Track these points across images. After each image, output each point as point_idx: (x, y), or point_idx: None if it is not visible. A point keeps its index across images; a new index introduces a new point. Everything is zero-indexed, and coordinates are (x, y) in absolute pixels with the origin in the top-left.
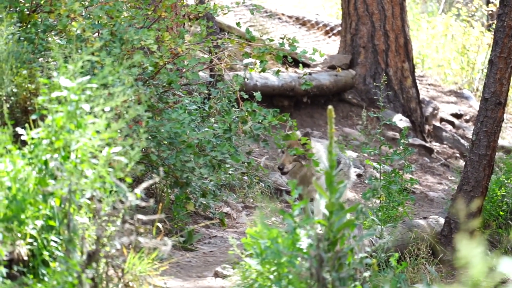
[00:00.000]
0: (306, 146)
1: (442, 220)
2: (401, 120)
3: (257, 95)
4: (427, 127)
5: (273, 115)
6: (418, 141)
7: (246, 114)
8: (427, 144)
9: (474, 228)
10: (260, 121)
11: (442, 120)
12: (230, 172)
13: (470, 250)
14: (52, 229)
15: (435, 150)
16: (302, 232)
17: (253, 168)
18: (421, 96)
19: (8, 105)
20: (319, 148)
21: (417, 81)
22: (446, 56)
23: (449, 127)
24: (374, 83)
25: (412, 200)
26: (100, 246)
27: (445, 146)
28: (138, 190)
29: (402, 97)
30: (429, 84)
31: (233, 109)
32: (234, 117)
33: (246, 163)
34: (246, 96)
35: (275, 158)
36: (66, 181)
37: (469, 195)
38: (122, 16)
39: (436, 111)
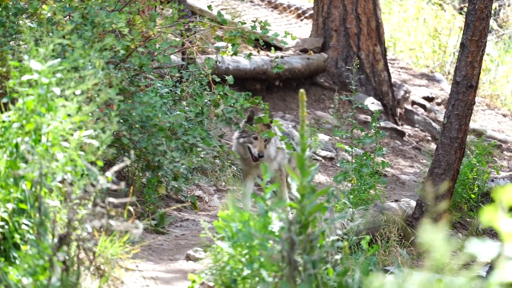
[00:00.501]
0: (269, 129)
1: (413, 203)
2: (372, 103)
3: (229, 78)
4: (398, 110)
5: (245, 98)
6: (390, 124)
7: (218, 97)
8: (399, 127)
9: (443, 210)
10: (232, 104)
11: (413, 103)
12: (202, 156)
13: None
14: (23, 212)
15: (406, 133)
16: (273, 215)
17: (225, 152)
18: (392, 80)
19: None
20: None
21: (389, 65)
22: (418, 39)
23: (420, 110)
24: (346, 67)
25: (384, 183)
26: (72, 229)
27: (416, 129)
28: (109, 173)
29: (374, 80)
30: (400, 68)
31: (205, 92)
32: (206, 100)
33: (218, 147)
34: (218, 80)
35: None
36: (37, 165)
37: (441, 178)
38: None
39: (407, 94)
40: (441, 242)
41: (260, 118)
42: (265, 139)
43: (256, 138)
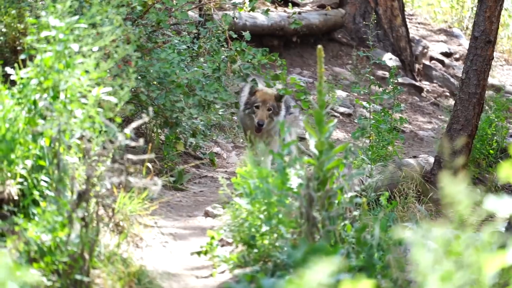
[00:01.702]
0: (281, 102)
1: (431, 159)
2: (390, 59)
3: (246, 34)
4: (416, 66)
5: (262, 54)
6: (408, 80)
7: (235, 53)
8: (417, 83)
9: (461, 166)
10: (249, 60)
11: (432, 59)
12: (220, 113)
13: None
14: (42, 169)
15: (425, 89)
16: (292, 172)
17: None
18: (410, 35)
19: None
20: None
21: (407, 20)
22: None
23: (439, 65)
24: (364, 22)
25: (402, 139)
26: (90, 185)
27: (435, 85)
28: (128, 130)
29: (392, 36)
30: (418, 23)
31: (222, 48)
32: (223, 56)
33: (235, 103)
34: (235, 36)
35: None
36: (56, 121)
37: (459, 134)
38: None
39: (425, 50)
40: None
41: (277, 75)
42: (269, 108)
43: (258, 107)
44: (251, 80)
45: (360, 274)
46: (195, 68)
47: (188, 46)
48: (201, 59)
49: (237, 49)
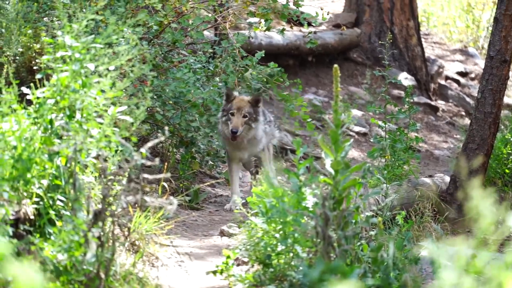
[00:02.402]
0: (258, 108)
1: (447, 178)
2: (406, 78)
3: (258, 53)
4: (432, 85)
5: (270, 75)
6: (424, 100)
7: (245, 66)
8: (433, 103)
9: (477, 185)
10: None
11: (447, 78)
12: None
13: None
14: (58, 188)
15: (440, 109)
16: (307, 191)
17: None
18: (426, 55)
19: (15, 65)
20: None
21: (422, 40)
22: (451, 14)
23: (454, 85)
24: (379, 42)
25: (418, 158)
26: (106, 205)
27: (450, 104)
28: (144, 149)
29: (408, 55)
30: (434, 43)
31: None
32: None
33: None
34: (245, 54)
35: (280, 118)
36: (72, 140)
37: (475, 153)
38: None
39: (441, 69)
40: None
41: (288, 96)
42: (244, 115)
43: (233, 114)
44: (227, 87)
45: None
46: (211, 88)
47: (203, 66)
48: (217, 79)
49: (248, 64)
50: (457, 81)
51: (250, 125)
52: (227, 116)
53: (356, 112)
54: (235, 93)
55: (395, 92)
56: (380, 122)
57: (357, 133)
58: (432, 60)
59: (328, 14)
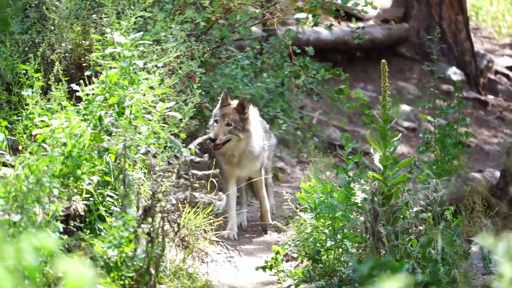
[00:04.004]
0: (245, 115)
1: (497, 173)
2: (455, 73)
3: (310, 49)
4: (481, 80)
5: (325, 70)
6: (473, 94)
7: (299, 68)
8: (482, 97)
9: None
10: (313, 75)
11: (496, 72)
12: (284, 128)
13: None
14: (108, 185)
15: (490, 103)
16: (356, 186)
17: (306, 123)
18: (475, 49)
19: (65, 62)
20: (255, 118)
21: (471, 34)
22: (500, 8)
23: (504, 79)
24: (428, 36)
25: (467, 153)
26: (156, 201)
27: (500, 99)
28: (193, 146)
29: (456, 50)
30: (483, 37)
31: (286, 63)
32: (287, 72)
33: (299, 118)
34: (298, 51)
35: (329, 113)
36: (121, 137)
37: None
38: None
39: (490, 64)
40: None
41: (340, 89)
42: (228, 123)
43: (216, 122)
44: (224, 92)
45: None
46: (259, 84)
47: (251, 61)
48: (265, 74)
49: (301, 64)
50: (506, 76)
51: (237, 135)
52: (212, 124)
53: (404, 107)
54: (232, 101)
55: (444, 87)
56: (429, 117)
57: (406, 128)
58: (481, 54)
59: (376, 9)
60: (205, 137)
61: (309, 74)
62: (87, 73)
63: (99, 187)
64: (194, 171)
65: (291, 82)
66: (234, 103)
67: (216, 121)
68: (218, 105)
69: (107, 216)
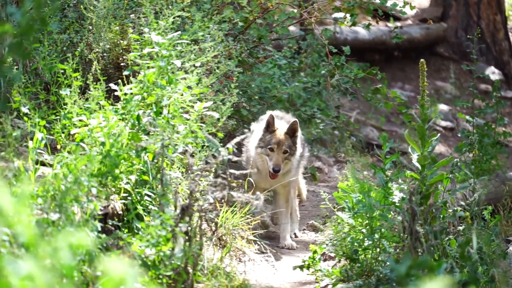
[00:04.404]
0: (295, 138)
1: None
2: (493, 73)
3: (346, 49)
4: None
5: (359, 69)
6: (511, 94)
7: (334, 67)
8: None
9: None
10: (347, 74)
11: None
12: (321, 127)
13: None
14: (146, 184)
15: None
16: (394, 186)
17: (343, 122)
18: None
19: (103, 62)
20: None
21: (510, 34)
22: None
23: None
24: (466, 36)
25: (505, 153)
26: (193, 200)
27: None
28: (230, 145)
29: (495, 49)
30: None
31: (322, 63)
32: (324, 72)
33: (335, 117)
34: (335, 50)
35: (366, 113)
36: (159, 136)
37: None
38: None
39: None
40: None
41: (377, 88)
42: (284, 150)
43: (272, 150)
44: (270, 115)
45: None
46: (296, 83)
47: (288, 61)
48: (302, 74)
49: (336, 63)
50: None
51: (290, 160)
52: (265, 150)
53: (442, 107)
54: (277, 123)
55: (482, 86)
56: (467, 117)
57: (444, 128)
58: None
59: (414, 9)
60: (242, 136)
61: (344, 74)
62: (125, 72)
63: (137, 186)
64: (232, 170)
65: (326, 81)
66: (280, 126)
67: (271, 149)
68: (264, 128)
69: (145, 215)
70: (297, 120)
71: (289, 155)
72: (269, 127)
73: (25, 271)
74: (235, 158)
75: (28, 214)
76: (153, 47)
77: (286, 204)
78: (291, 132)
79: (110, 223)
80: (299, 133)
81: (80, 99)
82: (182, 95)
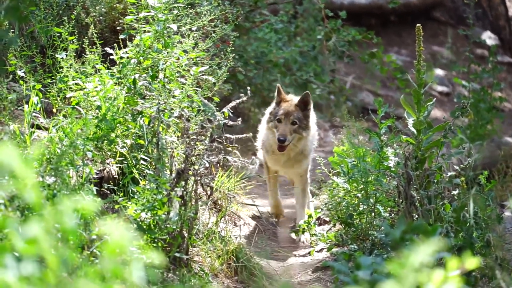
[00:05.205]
0: (308, 111)
1: None
2: (489, 37)
3: (342, 13)
4: None
5: (359, 33)
6: (507, 59)
7: (330, 31)
8: None
9: None
10: (344, 37)
11: None
12: (318, 92)
13: None
14: (142, 148)
15: None
16: (389, 151)
17: (338, 87)
18: (510, 14)
19: (99, 25)
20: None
21: None
22: None
23: None
24: (463, 1)
25: (501, 118)
26: (189, 164)
27: None
28: (226, 109)
29: (491, 14)
30: None
31: (319, 27)
32: (320, 37)
33: (330, 81)
34: (331, 14)
35: (362, 78)
36: (155, 100)
37: None
38: None
39: None
40: None
41: (373, 53)
42: (293, 121)
43: (280, 121)
44: (278, 86)
45: (459, 253)
46: (292, 48)
47: (285, 26)
48: (298, 38)
49: (333, 27)
50: None
51: (301, 134)
52: (274, 122)
53: (438, 72)
54: (287, 96)
55: (479, 51)
56: (463, 82)
57: (440, 92)
58: None
59: None
60: (238, 101)
61: (340, 37)
62: (121, 36)
63: (133, 150)
64: (227, 135)
65: (322, 45)
66: (292, 97)
67: (278, 120)
68: (275, 102)
69: (141, 179)
70: (308, 92)
71: (299, 127)
72: (279, 99)
73: (31, 234)
74: (231, 123)
75: (32, 177)
76: (149, 11)
77: (303, 194)
78: (303, 105)
79: (105, 187)
80: (311, 107)
81: (76, 62)
82: (178, 59)
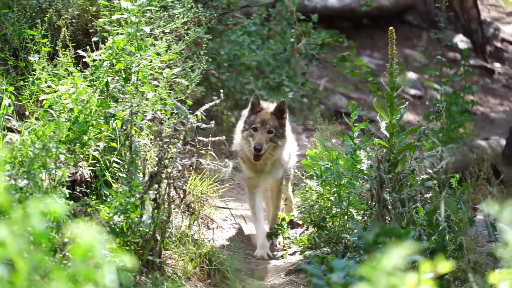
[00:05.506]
0: (283, 120)
1: (503, 141)
2: (462, 41)
3: (314, 16)
4: (488, 48)
5: (330, 36)
6: (479, 62)
7: (300, 33)
8: (488, 65)
9: None
10: (314, 39)
11: (503, 40)
12: (290, 95)
13: None
14: (114, 151)
15: (496, 71)
16: (362, 154)
17: (311, 89)
18: (482, 17)
19: (71, 28)
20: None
21: (478, 2)
22: None
23: (510, 47)
24: (435, 4)
25: (473, 121)
26: (162, 167)
27: (506, 67)
28: (199, 112)
29: (463, 18)
30: (490, 5)
31: (291, 30)
32: (292, 39)
33: (302, 84)
34: (302, 17)
35: (334, 81)
36: (128, 103)
37: None
38: None
39: (497, 32)
40: None
41: (344, 56)
42: (269, 130)
43: (256, 130)
44: (255, 95)
45: (432, 256)
46: (265, 51)
47: (258, 28)
48: (271, 41)
49: (303, 30)
50: None
51: (276, 143)
52: (249, 131)
53: (411, 75)
54: (264, 104)
55: (451, 55)
56: (435, 85)
57: (413, 96)
58: (487, 22)
59: None
60: (211, 104)
61: (311, 40)
62: (94, 39)
63: (106, 153)
64: (201, 138)
65: (293, 48)
66: (267, 106)
67: (254, 128)
68: (249, 110)
69: (113, 182)
70: (285, 100)
71: (275, 136)
72: (254, 108)
73: None
74: (204, 125)
75: (4, 180)
76: (122, 13)
77: (277, 197)
78: (279, 113)
79: (78, 190)
80: (287, 116)
81: (48, 65)
82: (151, 61)
